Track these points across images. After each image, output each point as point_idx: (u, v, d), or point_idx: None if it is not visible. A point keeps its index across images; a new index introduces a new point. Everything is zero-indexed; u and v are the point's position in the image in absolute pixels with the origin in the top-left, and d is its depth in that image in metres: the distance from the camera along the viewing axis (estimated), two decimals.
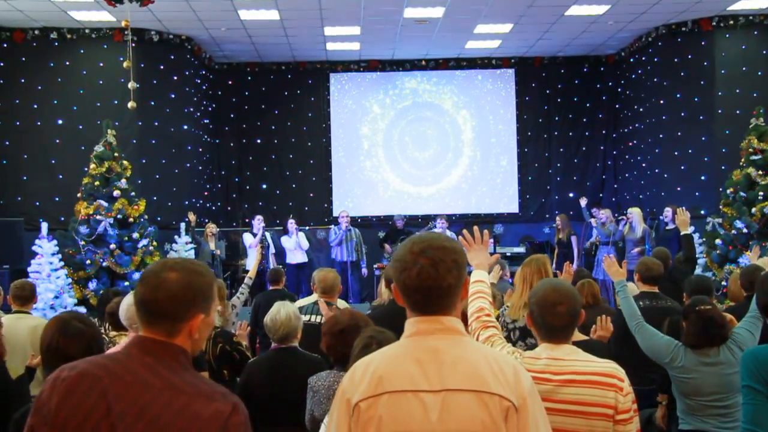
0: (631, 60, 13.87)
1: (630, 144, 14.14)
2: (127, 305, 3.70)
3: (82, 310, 8.67)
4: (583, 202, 12.34)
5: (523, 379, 1.86)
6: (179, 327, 1.87)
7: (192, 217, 11.56)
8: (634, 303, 4.28)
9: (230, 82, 14.68)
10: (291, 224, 11.86)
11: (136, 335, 1.91)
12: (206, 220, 12.37)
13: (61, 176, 11.66)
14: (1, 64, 11.86)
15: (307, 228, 12.68)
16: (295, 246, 11.82)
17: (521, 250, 13.06)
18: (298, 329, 4.09)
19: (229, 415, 1.79)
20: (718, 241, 9.60)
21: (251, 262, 10.03)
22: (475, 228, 3.02)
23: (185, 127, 12.76)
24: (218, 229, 11.95)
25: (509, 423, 1.79)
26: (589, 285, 5.63)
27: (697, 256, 7.48)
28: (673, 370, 3.94)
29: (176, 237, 10.71)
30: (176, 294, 1.85)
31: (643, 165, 13.49)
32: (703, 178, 12.04)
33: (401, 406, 1.81)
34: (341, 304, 6.03)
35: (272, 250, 12.03)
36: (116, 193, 9.60)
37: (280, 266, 12.03)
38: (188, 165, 12.85)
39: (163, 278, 1.86)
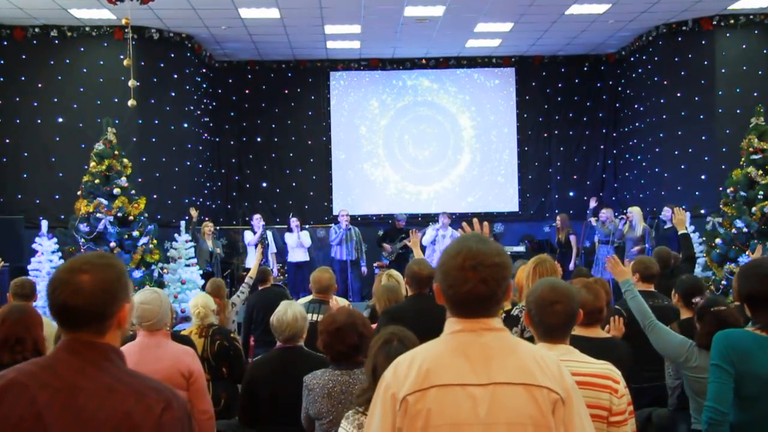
0: (632, 59, 13.86)
1: (630, 143, 14.13)
2: (137, 303, 3.72)
3: None
4: (593, 203, 12.27)
5: (566, 374, 1.89)
6: (108, 324, 1.84)
7: (194, 212, 11.56)
8: (643, 301, 4.24)
9: (230, 81, 14.67)
10: (293, 222, 11.89)
11: (65, 338, 1.85)
12: (204, 218, 12.38)
13: (61, 174, 11.67)
14: (2, 61, 11.86)
15: (306, 227, 12.69)
16: (297, 244, 11.83)
17: (521, 249, 13.06)
18: (304, 329, 4.08)
19: (161, 412, 1.76)
20: (718, 241, 9.58)
21: (252, 261, 10.04)
22: (475, 220, 3.02)
23: (185, 125, 12.76)
24: (216, 228, 11.94)
25: (556, 415, 1.82)
26: (601, 284, 5.59)
27: (696, 255, 7.47)
28: (687, 370, 3.89)
29: (176, 235, 10.70)
30: (96, 295, 1.81)
31: (644, 164, 13.49)
32: (703, 177, 12.03)
33: (449, 399, 1.83)
34: (342, 301, 6.05)
35: (272, 249, 12.04)
36: (116, 191, 9.60)
37: (279, 265, 12.11)
38: (188, 163, 12.85)
39: (77, 283, 1.80)
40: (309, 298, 5.72)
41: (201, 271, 10.67)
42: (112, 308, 1.84)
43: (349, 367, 3.43)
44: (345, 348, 3.42)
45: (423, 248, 10.78)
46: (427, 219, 13.38)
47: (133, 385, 1.79)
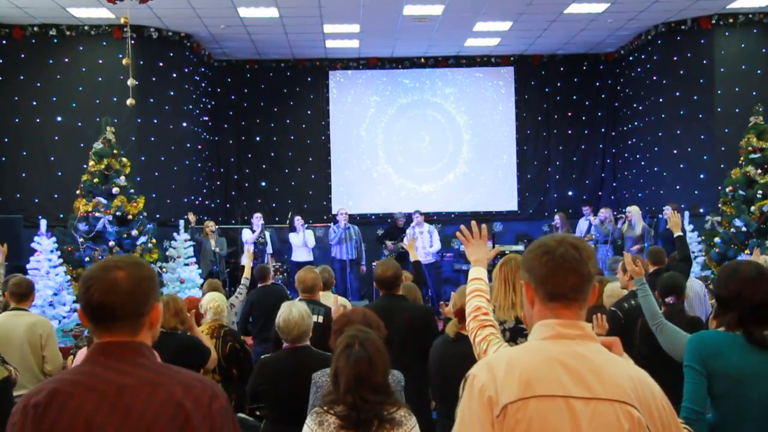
0: (631, 58, 13.87)
1: (629, 142, 14.14)
2: None
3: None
4: (587, 211, 12.31)
5: (656, 391, 1.84)
6: (142, 322, 1.85)
7: (192, 217, 11.57)
8: (654, 301, 4.23)
9: (229, 80, 14.67)
10: (298, 221, 11.90)
11: (96, 343, 1.85)
12: (205, 218, 12.37)
13: (60, 173, 11.66)
14: (1, 60, 11.84)
15: (305, 226, 12.68)
16: (302, 243, 11.84)
17: (520, 248, 13.05)
18: (310, 327, 4.09)
19: (209, 401, 1.78)
20: (717, 240, 9.60)
21: (245, 260, 10.05)
22: (473, 223, 3.00)
23: (184, 124, 12.75)
24: (217, 227, 11.95)
25: None
26: (604, 283, 5.57)
27: (692, 255, 7.48)
28: None
29: (175, 234, 10.70)
30: (133, 291, 1.82)
31: (642, 163, 13.49)
32: (702, 176, 12.04)
33: (551, 410, 1.76)
34: (342, 300, 6.05)
35: (269, 249, 12.03)
36: (115, 190, 9.60)
37: (278, 264, 12.10)
38: (187, 162, 12.84)
39: (113, 279, 1.81)
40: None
41: (202, 271, 10.68)
42: (146, 306, 1.85)
43: None
44: None
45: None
46: (427, 219, 13.37)
47: (176, 378, 1.80)
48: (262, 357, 4.36)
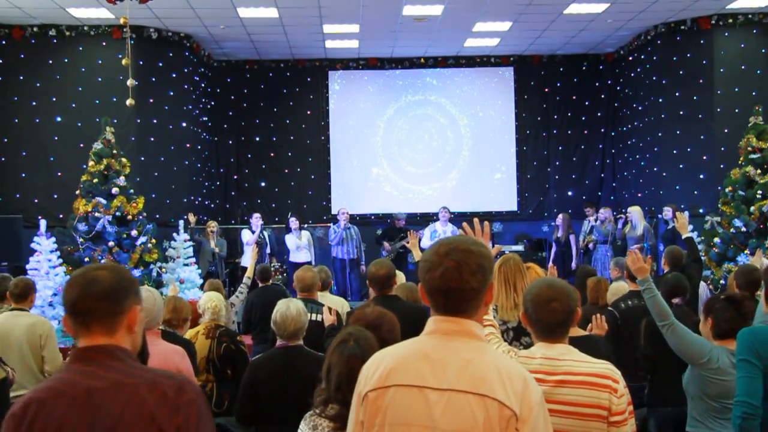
0: (630, 58, 13.86)
1: (629, 142, 14.14)
2: None
3: None
4: (590, 212, 12.28)
5: (532, 392, 1.85)
6: (119, 321, 1.88)
7: (192, 218, 11.55)
8: (662, 301, 4.16)
9: (229, 80, 14.66)
10: (293, 222, 11.88)
11: (74, 349, 1.91)
12: (206, 218, 12.36)
13: (59, 173, 11.66)
14: (0, 61, 11.84)
15: (305, 226, 12.68)
16: (296, 246, 11.82)
17: (519, 248, 13.06)
18: (305, 325, 4.09)
19: (175, 395, 1.80)
20: (716, 240, 9.60)
21: (247, 261, 10.03)
22: (476, 220, 2.98)
23: (184, 124, 12.75)
24: (219, 227, 11.95)
25: (507, 431, 1.79)
26: (603, 283, 5.56)
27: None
28: (707, 372, 3.73)
29: (174, 234, 10.69)
30: (111, 286, 1.87)
31: (642, 163, 13.49)
32: (701, 176, 12.04)
33: (406, 399, 1.85)
34: (335, 300, 6.05)
35: (268, 249, 12.02)
36: (115, 190, 9.59)
37: (277, 264, 12.09)
38: (187, 162, 12.84)
39: (93, 276, 1.88)
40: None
41: (201, 272, 10.67)
42: (124, 302, 1.89)
43: None
44: None
45: (422, 249, 10.71)
46: (427, 218, 13.38)
47: (144, 377, 1.84)
48: (254, 358, 4.35)
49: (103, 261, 2.12)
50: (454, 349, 1.88)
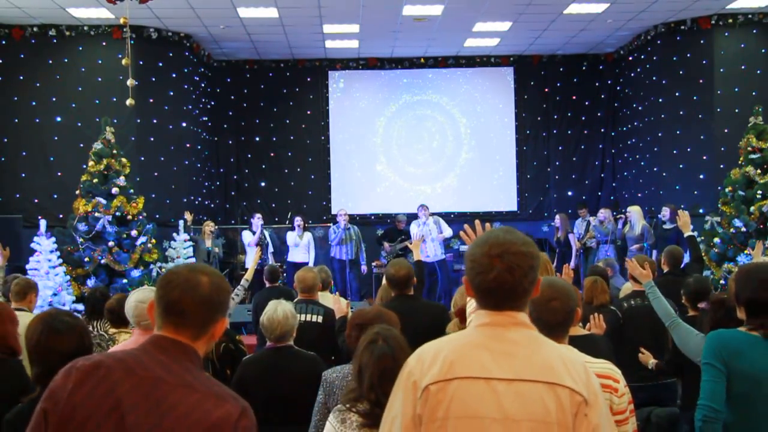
0: (630, 58, 13.87)
1: (629, 142, 14.14)
2: (135, 302, 3.66)
3: (81, 307, 8.65)
4: (586, 214, 12.26)
5: (592, 377, 1.89)
6: (206, 330, 1.90)
7: (189, 216, 11.55)
8: (665, 301, 4.22)
9: (229, 80, 14.66)
10: (297, 221, 11.90)
11: (154, 334, 1.91)
12: (204, 218, 12.35)
13: (59, 173, 11.66)
14: (0, 61, 11.84)
15: (303, 227, 12.67)
16: (294, 243, 11.83)
17: None
18: (294, 327, 4.09)
19: (238, 418, 1.80)
20: (716, 240, 9.60)
21: (250, 261, 10.02)
22: (477, 222, 2.99)
23: (184, 124, 12.75)
24: (216, 227, 11.94)
25: (578, 417, 1.81)
26: (601, 282, 5.56)
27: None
28: None
29: (174, 234, 10.69)
30: (210, 297, 1.88)
31: (642, 163, 13.49)
32: (701, 176, 12.04)
33: (472, 391, 1.83)
34: (342, 301, 6.05)
35: (270, 249, 12.03)
36: (114, 190, 9.59)
37: (277, 264, 12.09)
38: (186, 162, 12.84)
39: (197, 281, 1.88)
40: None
41: None
42: (215, 315, 1.91)
43: None
44: None
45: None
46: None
47: (213, 389, 1.83)
48: (245, 357, 4.36)
49: (196, 263, 2.11)
50: (512, 340, 1.89)
